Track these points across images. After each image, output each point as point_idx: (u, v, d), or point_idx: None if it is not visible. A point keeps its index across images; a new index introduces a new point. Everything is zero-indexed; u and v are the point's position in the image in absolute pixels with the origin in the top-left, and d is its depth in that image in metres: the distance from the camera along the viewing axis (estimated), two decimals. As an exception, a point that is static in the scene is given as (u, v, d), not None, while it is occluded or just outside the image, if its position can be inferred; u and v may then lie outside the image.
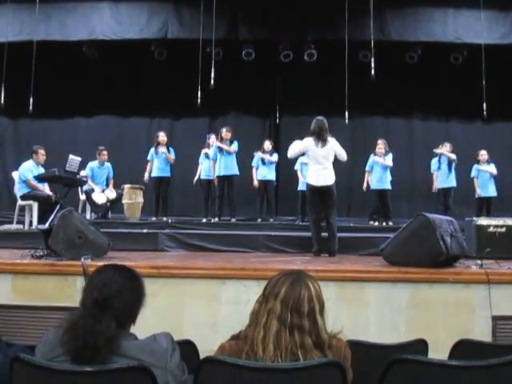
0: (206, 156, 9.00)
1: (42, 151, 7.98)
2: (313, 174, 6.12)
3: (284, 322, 1.91)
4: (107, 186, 8.81)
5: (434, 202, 9.03)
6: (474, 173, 8.95)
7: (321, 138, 6.04)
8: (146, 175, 8.99)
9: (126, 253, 5.67)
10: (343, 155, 6.26)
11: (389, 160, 8.79)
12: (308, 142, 6.12)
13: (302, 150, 6.26)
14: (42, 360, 1.89)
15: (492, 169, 8.84)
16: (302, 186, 8.90)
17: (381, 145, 8.85)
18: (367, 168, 8.97)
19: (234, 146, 8.69)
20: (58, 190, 7.30)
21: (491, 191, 8.87)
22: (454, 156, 8.79)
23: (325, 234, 6.16)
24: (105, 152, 8.88)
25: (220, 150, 8.62)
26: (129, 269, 2.15)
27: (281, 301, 1.94)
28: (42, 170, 7.77)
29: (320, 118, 6.20)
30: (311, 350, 1.90)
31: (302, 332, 1.91)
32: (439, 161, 8.91)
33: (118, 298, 1.95)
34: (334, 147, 6.15)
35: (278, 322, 1.92)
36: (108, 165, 8.97)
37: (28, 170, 7.77)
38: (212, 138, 9.08)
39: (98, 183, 8.70)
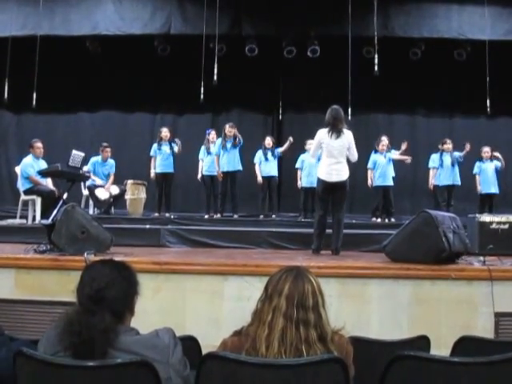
0: (208, 152, 8.96)
1: (37, 144, 7.98)
2: (324, 169, 5.75)
3: (290, 318, 1.92)
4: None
5: (437, 199, 9.00)
6: (476, 169, 8.93)
7: (335, 129, 5.66)
8: (153, 172, 8.97)
9: (129, 248, 5.67)
10: (354, 155, 5.88)
11: (395, 154, 8.86)
12: (322, 134, 5.76)
13: (318, 145, 5.85)
14: (45, 355, 1.90)
15: (496, 163, 8.84)
16: (304, 183, 8.89)
17: (384, 142, 8.83)
18: (370, 165, 8.92)
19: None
20: (61, 185, 7.33)
21: (493, 188, 8.84)
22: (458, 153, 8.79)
23: (329, 231, 5.95)
24: (108, 149, 8.88)
25: (223, 145, 8.61)
26: (116, 261, 2.18)
27: (286, 297, 1.95)
28: (42, 163, 7.79)
29: (335, 106, 5.85)
30: (315, 343, 1.91)
31: (308, 326, 1.92)
32: (441, 158, 8.87)
33: (109, 288, 1.96)
34: (349, 140, 5.78)
35: (283, 318, 1.93)
36: (111, 161, 8.96)
37: (29, 165, 7.78)
38: (212, 134, 9.05)
39: (100, 179, 8.70)
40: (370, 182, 8.96)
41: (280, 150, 9.21)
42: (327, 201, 5.87)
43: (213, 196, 8.92)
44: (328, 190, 5.78)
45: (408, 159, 8.89)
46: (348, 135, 5.79)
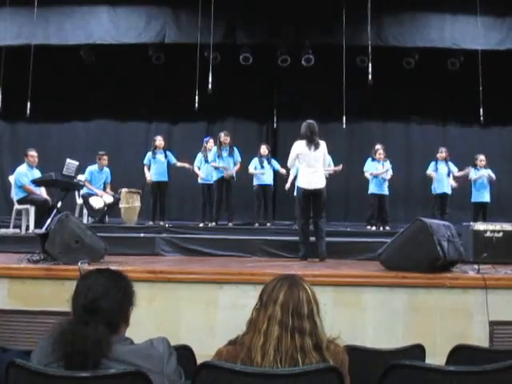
0: (206, 160, 8.96)
1: (31, 153, 7.97)
2: (304, 178, 6.13)
3: (285, 327, 1.92)
4: (104, 190, 8.79)
5: (431, 207, 9.03)
6: (471, 177, 8.94)
7: (313, 142, 6.08)
8: (148, 175, 8.84)
9: (123, 257, 5.66)
10: (327, 162, 6.43)
11: (387, 167, 8.87)
12: (300, 145, 6.14)
13: (295, 156, 6.24)
14: (38, 366, 1.88)
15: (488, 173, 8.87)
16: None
17: (380, 150, 8.85)
18: (370, 171, 8.87)
19: (237, 157, 8.77)
20: (54, 194, 7.30)
21: (487, 197, 8.87)
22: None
23: (312, 238, 6.17)
24: (105, 157, 8.85)
25: (219, 154, 8.62)
26: (113, 270, 2.15)
27: (280, 305, 1.95)
28: (36, 173, 7.76)
29: (310, 121, 6.23)
30: (310, 352, 1.91)
31: (303, 334, 1.92)
32: (436, 166, 8.91)
33: (104, 299, 1.94)
34: (324, 151, 6.19)
35: (279, 326, 1.92)
36: (107, 170, 8.95)
37: (23, 174, 7.76)
38: (210, 142, 9.06)
39: (96, 188, 8.68)
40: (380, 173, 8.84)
41: (282, 170, 9.14)
42: (308, 208, 6.21)
43: (208, 204, 8.92)
44: (308, 197, 6.14)
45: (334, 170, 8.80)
46: (323, 146, 6.18)
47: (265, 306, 1.98)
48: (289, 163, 6.53)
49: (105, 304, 1.93)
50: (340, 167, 8.59)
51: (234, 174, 8.77)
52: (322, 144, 6.18)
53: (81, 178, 7.87)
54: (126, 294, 2.05)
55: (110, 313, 1.94)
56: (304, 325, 1.93)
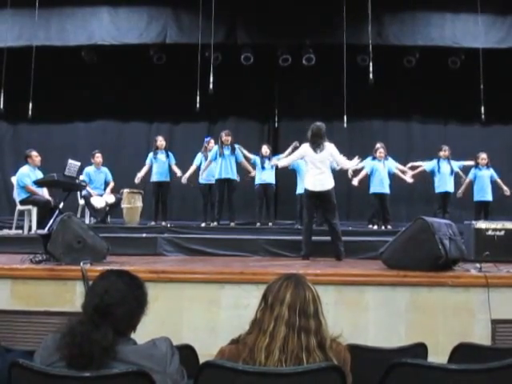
0: (206, 160, 8.95)
1: (34, 153, 7.98)
2: (310, 179, 6.15)
3: (292, 326, 1.92)
4: (105, 190, 8.79)
5: (433, 206, 9.03)
6: (470, 176, 8.93)
7: (315, 144, 6.12)
8: (139, 176, 8.74)
9: (125, 257, 5.67)
10: (344, 162, 6.45)
11: (392, 164, 8.91)
12: (305, 148, 6.21)
13: (299, 157, 6.39)
14: (41, 365, 1.88)
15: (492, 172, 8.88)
16: (299, 190, 8.88)
17: (381, 149, 8.85)
18: (367, 169, 8.81)
19: (239, 157, 8.75)
20: (56, 194, 7.31)
21: (489, 195, 8.86)
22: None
23: (315, 238, 6.22)
24: (98, 154, 8.82)
25: (220, 153, 8.62)
26: (132, 275, 2.13)
27: (288, 306, 1.95)
28: (39, 173, 7.77)
29: (318, 123, 6.26)
30: (314, 351, 1.91)
31: (309, 333, 1.93)
32: (438, 164, 8.90)
33: (119, 306, 1.94)
34: (332, 153, 6.20)
35: (286, 327, 1.93)
36: (105, 169, 8.95)
37: (25, 175, 7.77)
38: (211, 143, 9.05)
39: (96, 188, 8.68)
40: (356, 182, 8.66)
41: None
42: (313, 209, 6.31)
43: (210, 204, 8.92)
44: (314, 198, 6.17)
45: (409, 180, 8.90)
46: (329, 147, 6.20)
47: (271, 307, 1.98)
48: (287, 161, 6.80)
49: (119, 311, 1.93)
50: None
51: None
52: (328, 146, 6.18)
53: (82, 178, 7.88)
54: (140, 304, 2.05)
55: (121, 320, 1.94)
56: (310, 324, 1.94)
